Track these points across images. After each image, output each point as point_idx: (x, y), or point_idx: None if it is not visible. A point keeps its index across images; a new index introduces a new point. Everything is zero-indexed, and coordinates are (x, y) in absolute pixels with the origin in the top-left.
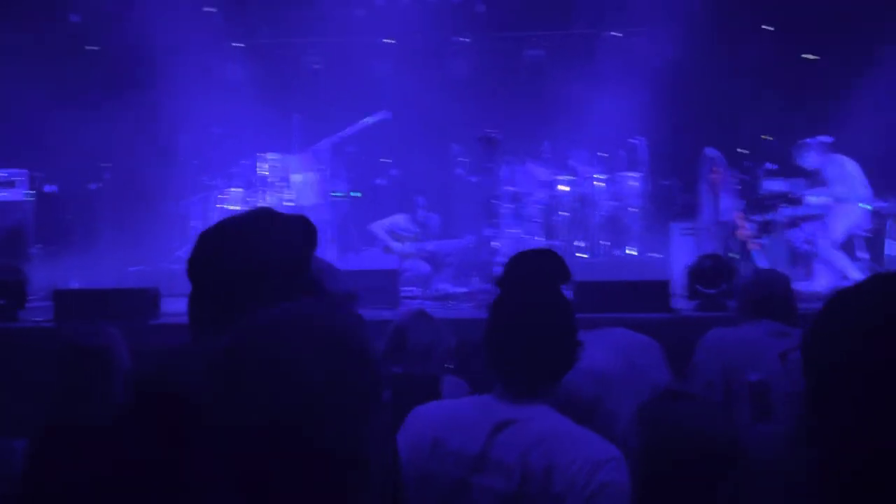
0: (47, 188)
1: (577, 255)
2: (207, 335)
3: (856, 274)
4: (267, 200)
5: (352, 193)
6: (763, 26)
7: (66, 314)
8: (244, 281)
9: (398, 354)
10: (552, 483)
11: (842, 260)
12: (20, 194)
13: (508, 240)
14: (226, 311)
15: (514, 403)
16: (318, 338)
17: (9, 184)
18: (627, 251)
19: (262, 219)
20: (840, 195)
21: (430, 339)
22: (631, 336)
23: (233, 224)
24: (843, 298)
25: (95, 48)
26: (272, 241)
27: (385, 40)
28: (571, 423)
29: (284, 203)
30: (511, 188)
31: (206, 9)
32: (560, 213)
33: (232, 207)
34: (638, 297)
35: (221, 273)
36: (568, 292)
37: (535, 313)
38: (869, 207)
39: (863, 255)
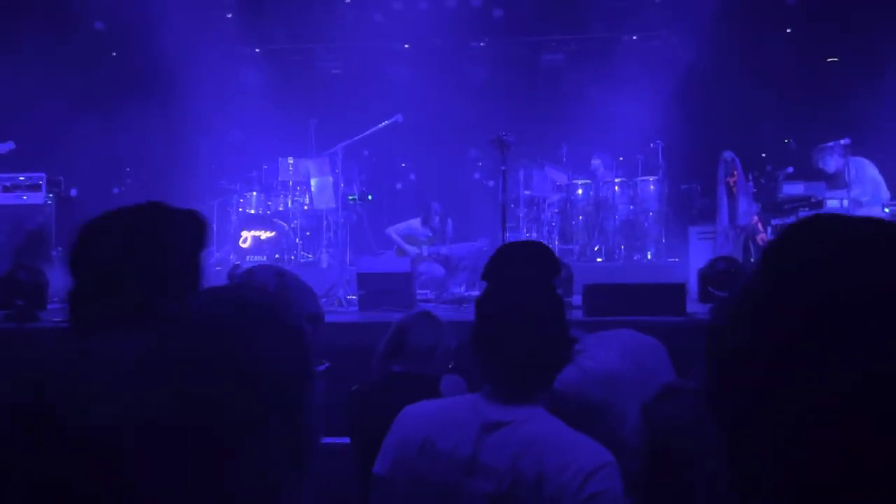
0: (70, 192)
1: (598, 259)
2: (96, 330)
3: None
4: (285, 204)
5: (368, 197)
6: (779, 30)
7: None
8: (127, 275)
9: (398, 353)
10: (543, 489)
11: None
12: (43, 198)
13: None
14: (111, 306)
15: (505, 404)
16: (254, 318)
17: (34, 187)
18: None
19: (147, 212)
20: (860, 198)
21: (433, 341)
22: (638, 337)
23: (116, 217)
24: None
25: (118, 55)
26: (158, 236)
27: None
28: (564, 427)
29: (304, 207)
30: (528, 192)
31: (227, 15)
32: (578, 216)
33: (251, 211)
34: (654, 300)
35: (103, 268)
36: (577, 296)
37: (522, 308)
38: (886, 210)
39: None
